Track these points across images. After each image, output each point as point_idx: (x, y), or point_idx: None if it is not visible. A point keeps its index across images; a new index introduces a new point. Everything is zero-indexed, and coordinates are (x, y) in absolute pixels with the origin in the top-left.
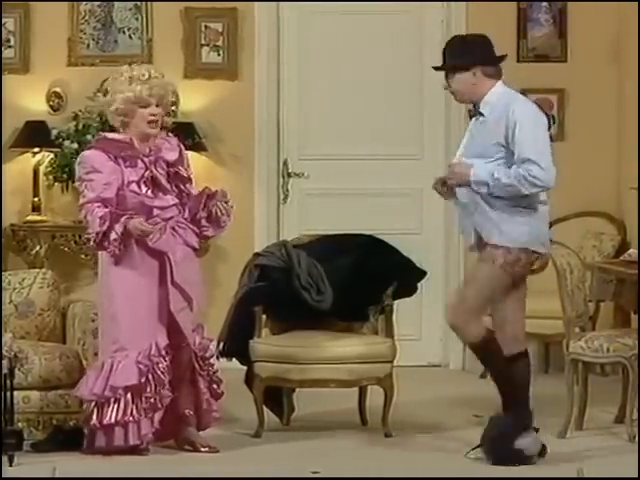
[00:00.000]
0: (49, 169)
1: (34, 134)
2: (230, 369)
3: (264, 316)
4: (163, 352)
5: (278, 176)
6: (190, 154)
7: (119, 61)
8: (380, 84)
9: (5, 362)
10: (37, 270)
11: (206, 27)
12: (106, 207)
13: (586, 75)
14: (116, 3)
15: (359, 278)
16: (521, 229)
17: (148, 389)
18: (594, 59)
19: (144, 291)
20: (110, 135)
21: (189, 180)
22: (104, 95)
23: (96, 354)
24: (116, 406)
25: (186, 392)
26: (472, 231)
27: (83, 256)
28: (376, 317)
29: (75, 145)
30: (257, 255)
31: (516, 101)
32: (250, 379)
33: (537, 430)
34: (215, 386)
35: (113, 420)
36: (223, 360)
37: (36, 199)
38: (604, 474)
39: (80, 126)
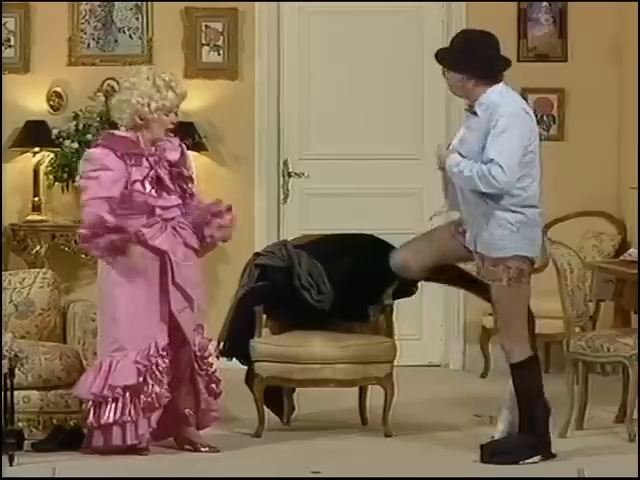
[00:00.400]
0: (49, 169)
1: (34, 134)
2: (230, 369)
3: (264, 316)
4: (162, 352)
5: (278, 176)
6: (190, 154)
7: (119, 61)
8: (380, 84)
9: (5, 362)
10: (37, 270)
11: (206, 27)
12: (112, 210)
13: (586, 75)
14: (116, 3)
15: (359, 278)
16: (513, 239)
17: (146, 389)
18: (594, 59)
19: (144, 291)
20: (117, 132)
21: (191, 180)
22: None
23: (96, 354)
24: (114, 405)
25: (186, 392)
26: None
27: (83, 256)
28: (376, 317)
29: (75, 145)
30: (257, 255)
31: (504, 105)
32: (250, 379)
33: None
34: (214, 385)
35: (111, 420)
36: (223, 360)
37: (36, 199)
38: (605, 474)
39: (80, 126)
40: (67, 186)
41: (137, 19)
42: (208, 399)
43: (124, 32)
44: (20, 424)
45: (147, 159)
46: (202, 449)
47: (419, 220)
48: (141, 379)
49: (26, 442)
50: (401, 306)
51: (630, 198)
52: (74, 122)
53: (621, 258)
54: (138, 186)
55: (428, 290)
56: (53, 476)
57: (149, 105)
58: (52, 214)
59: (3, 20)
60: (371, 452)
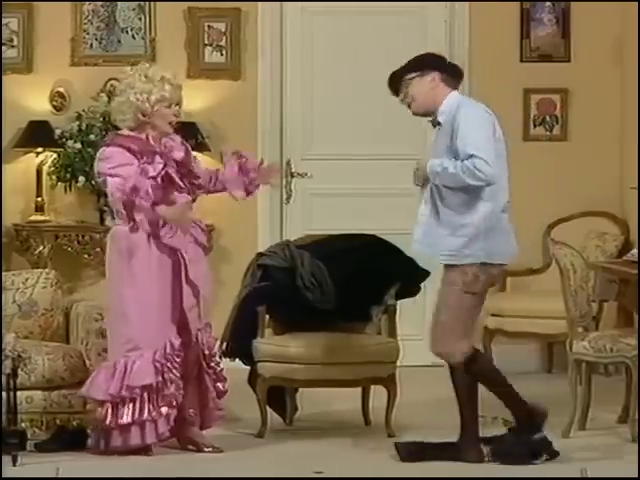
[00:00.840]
0: (52, 169)
1: (37, 134)
2: (233, 369)
3: (267, 316)
4: (177, 351)
5: (281, 176)
6: (189, 148)
7: (122, 61)
8: (383, 84)
9: (8, 362)
10: (40, 270)
11: (209, 27)
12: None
13: (589, 75)
14: (119, 3)
15: (362, 278)
16: (471, 245)
17: (165, 388)
18: (597, 59)
19: (155, 289)
20: (126, 132)
21: (197, 177)
22: (109, 93)
23: (99, 354)
24: (132, 405)
25: (191, 391)
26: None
27: (86, 256)
28: (379, 317)
29: (78, 145)
30: (260, 255)
31: (463, 105)
32: (253, 379)
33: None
34: (220, 384)
35: (130, 420)
36: (226, 360)
37: (39, 199)
38: (607, 474)
39: (83, 126)
40: (70, 186)
41: (140, 19)
42: (214, 398)
43: (127, 32)
44: (23, 424)
45: (160, 156)
46: (205, 449)
47: None
48: (159, 378)
49: (29, 442)
50: (404, 306)
51: (633, 198)
52: (77, 122)
53: (624, 258)
54: (152, 183)
55: (431, 290)
56: (56, 476)
57: (148, 99)
58: (55, 214)
59: (6, 20)
60: (374, 452)
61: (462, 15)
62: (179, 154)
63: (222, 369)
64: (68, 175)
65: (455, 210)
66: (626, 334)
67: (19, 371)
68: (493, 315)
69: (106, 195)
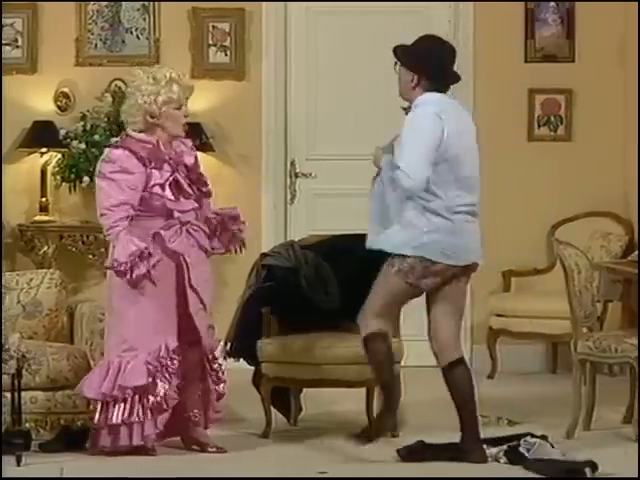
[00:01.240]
0: (57, 169)
1: (42, 134)
2: (238, 369)
3: (271, 316)
4: (172, 354)
5: (285, 176)
6: (198, 154)
7: (127, 61)
8: (387, 84)
9: (13, 362)
10: (45, 270)
11: (213, 27)
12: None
13: (593, 75)
14: (124, 3)
15: (366, 278)
16: (414, 238)
17: (155, 390)
18: (601, 59)
19: (155, 291)
20: (137, 135)
21: (207, 180)
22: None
23: (103, 354)
24: (122, 405)
25: (195, 392)
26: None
27: (91, 256)
28: None
29: (83, 145)
30: (264, 255)
31: (419, 105)
32: (258, 379)
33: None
34: (219, 387)
35: (120, 420)
36: (230, 360)
37: (44, 199)
38: (612, 474)
39: (88, 126)
40: (74, 186)
41: (144, 19)
42: (213, 400)
43: (131, 32)
44: (27, 425)
45: (169, 163)
46: (209, 449)
47: None
48: (150, 380)
49: (34, 442)
50: (407, 306)
51: (637, 199)
52: (81, 122)
53: (629, 259)
54: (157, 189)
55: None
56: (61, 476)
57: (156, 101)
58: (59, 215)
59: (11, 20)
60: (377, 452)
61: (466, 15)
62: (190, 159)
63: (223, 371)
64: (73, 175)
65: (401, 205)
66: (630, 334)
67: (23, 371)
68: (497, 315)
69: None
